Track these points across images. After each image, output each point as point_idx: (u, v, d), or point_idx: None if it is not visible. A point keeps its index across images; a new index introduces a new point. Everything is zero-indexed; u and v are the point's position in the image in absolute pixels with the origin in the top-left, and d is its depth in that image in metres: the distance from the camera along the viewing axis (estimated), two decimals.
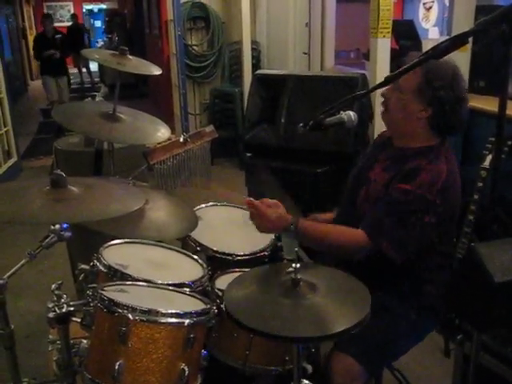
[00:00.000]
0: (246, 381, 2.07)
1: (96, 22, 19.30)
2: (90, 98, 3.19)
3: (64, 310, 1.52)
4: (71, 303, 1.58)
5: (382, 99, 1.94)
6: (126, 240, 1.96)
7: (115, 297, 1.42)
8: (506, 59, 1.28)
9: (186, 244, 2.38)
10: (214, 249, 2.26)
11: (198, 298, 1.63)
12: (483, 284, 1.23)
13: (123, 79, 2.59)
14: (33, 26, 17.95)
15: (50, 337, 1.81)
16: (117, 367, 1.34)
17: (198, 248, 2.30)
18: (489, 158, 2.81)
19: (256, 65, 6.48)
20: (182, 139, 2.81)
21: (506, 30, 1.25)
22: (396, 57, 4.55)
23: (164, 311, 1.39)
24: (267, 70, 5.03)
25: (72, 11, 19.49)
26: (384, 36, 3.35)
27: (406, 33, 4.67)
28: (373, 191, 1.94)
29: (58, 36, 8.30)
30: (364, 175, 2.03)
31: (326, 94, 2.94)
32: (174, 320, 1.39)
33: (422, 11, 9.43)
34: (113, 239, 2.02)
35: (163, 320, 1.38)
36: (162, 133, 2.56)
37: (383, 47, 3.36)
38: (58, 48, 8.10)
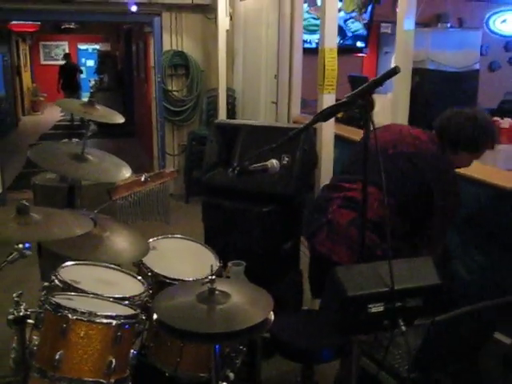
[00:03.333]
0: None
1: (89, 61, 19.94)
2: (66, 139, 3.60)
3: (21, 314, 1.87)
4: (28, 310, 1.94)
5: None
6: (80, 262, 2.33)
7: (61, 302, 1.79)
8: (365, 125, 1.69)
9: (141, 270, 2.75)
10: (164, 275, 2.64)
11: (132, 308, 1.99)
12: (340, 297, 1.62)
13: None
14: (28, 63, 18.57)
15: (14, 345, 2.15)
16: (57, 357, 1.70)
17: (149, 274, 2.67)
18: None
19: (232, 110, 6.93)
20: (143, 178, 3.19)
21: (362, 104, 1.66)
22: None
23: (98, 313, 1.77)
24: (225, 120, 5.50)
25: (67, 50, 20.20)
26: (329, 92, 3.78)
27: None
28: None
29: None
30: None
31: (274, 143, 3.32)
32: (105, 320, 1.77)
33: (393, 64, 10.05)
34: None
35: (97, 320, 1.75)
36: (124, 173, 2.93)
37: (328, 102, 3.78)
38: None
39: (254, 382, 3.13)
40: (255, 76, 6.43)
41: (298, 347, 2.58)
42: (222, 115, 6.44)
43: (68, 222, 1.98)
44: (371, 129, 1.67)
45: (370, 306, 1.61)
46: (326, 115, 1.84)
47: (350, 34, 7.35)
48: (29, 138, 11.95)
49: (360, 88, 1.68)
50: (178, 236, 3.12)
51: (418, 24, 8.04)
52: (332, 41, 3.73)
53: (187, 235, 3.09)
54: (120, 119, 2.92)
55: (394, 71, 1.58)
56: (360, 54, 8.45)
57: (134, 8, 6.68)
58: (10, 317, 1.87)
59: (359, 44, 7.65)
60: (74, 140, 3.66)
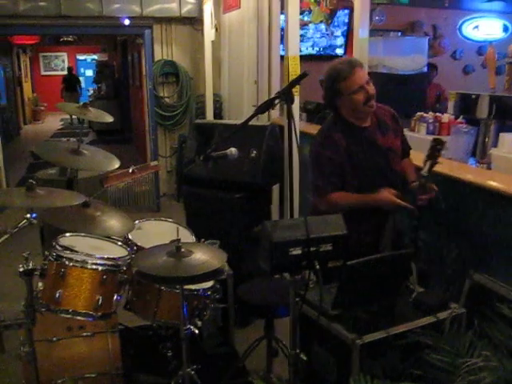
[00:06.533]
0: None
1: (87, 71, 20.57)
2: (65, 139, 4.16)
3: (30, 267, 2.40)
4: (35, 266, 2.48)
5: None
6: (75, 234, 2.87)
7: (61, 253, 2.34)
8: (288, 115, 2.23)
9: (127, 244, 3.29)
10: (146, 247, 3.18)
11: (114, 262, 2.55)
12: (267, 242, 2.16)
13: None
14: (28, 73, 19.20)
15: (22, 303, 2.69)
16: (57, 295, 2.25)
17: (134, 247, 3.22)
18: None
19: (219, 114, 7.47)
20: (130, 170, 3.75)
21: (285, 98, 2.21)
22: (322, 109, 5.59)
23: (89, 260, 2.32)
24: (202, 120, 6.08)
25: (66, 61, 20.90)
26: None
27: None
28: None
29: None
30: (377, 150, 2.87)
31: (243, 138, 3.87)
32: (93, 266, 2.32)
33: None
34: None
35: (88, 266, 2.31)
36: (113, 164, 3.47)
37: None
38: None
39: (228, 342, 3.71)
40: (239, 82, 6.97)
41: (258, 304, 3.13)
42: (210, 118, 6.99)
43: (65, 196, 2.54)
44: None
45: (290, 249, 2.15)
46: (262, 109, 2.40)
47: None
48: (30, 146, 12.51)
49: (284, 87, 2.23)
50: (161, 218, 3.67)
51: (393, 31, 8.65)
52: (294, 50, 4.29)
53: None
54: (109, 119, 3.47)
55: (305, 74, 2.13)
56: None
57: (126, 21, 7.26)
58: (21, 269, 2.40)
59: (338, 51, 8.19)
60: (72, 139, 4.22)
